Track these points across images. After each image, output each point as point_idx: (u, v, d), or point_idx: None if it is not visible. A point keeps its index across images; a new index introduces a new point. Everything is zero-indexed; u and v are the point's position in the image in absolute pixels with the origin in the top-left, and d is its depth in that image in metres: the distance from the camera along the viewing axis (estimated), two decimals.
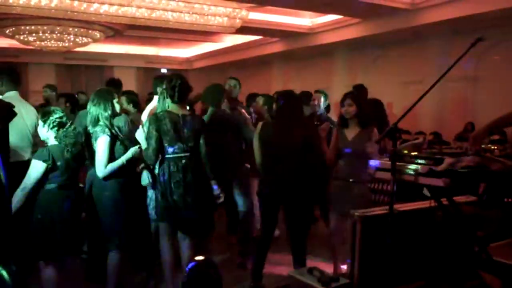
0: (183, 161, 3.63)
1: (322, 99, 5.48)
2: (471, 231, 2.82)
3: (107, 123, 3.57)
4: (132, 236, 3.74)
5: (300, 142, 3.94)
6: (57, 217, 3.33)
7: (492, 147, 2.58)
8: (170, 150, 3.63)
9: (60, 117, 3.42)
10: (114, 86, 5.07)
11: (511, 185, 2.31)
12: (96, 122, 3.59)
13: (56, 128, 3.39)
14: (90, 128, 3.63)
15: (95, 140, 3.56)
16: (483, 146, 2.58)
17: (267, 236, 4.15)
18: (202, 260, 2.88)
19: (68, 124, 3.46)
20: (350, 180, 3.93)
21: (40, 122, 3.44)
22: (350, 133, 4.04)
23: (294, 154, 3.95)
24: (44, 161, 3.29)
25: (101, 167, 3.51)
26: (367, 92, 5.50)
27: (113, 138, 3.59)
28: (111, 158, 3.56)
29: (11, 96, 4.36)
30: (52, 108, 3.56)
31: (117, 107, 3.74)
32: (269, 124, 4.20)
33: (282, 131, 3.96)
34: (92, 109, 3.61)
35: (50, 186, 3.36)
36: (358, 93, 4.60)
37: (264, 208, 4.17)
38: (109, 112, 3.60)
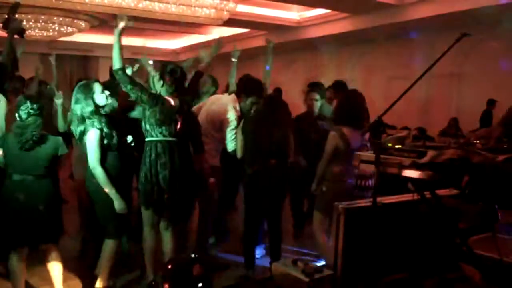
0: (171, 145, 3.65)
1: (317, 97, 4.91)
2: (453, 224, 2.85)
3: (93, 117, 3.51)
4: (128, 223, 3.75)
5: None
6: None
7: (475, 141, 2.59)
8: (158, 131, 3.64)
9: (22, 109, 3.38)
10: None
11: (492, 178, 2.33)
12: (82, 120, 3.54)
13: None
14: (77, 126, 3.56)
15: (85, 135, 3.50)
16: (466, 140, 2.60)
17: (256, 225, 4.25)
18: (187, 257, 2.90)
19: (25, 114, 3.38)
20: (344, 179, 3.96)
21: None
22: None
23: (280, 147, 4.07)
24: None
25: (94, 162, 3.46)
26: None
27: (102, 131, 3.52)
28: (102, 151, 3.50)
29: None
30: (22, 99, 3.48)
31: (103, 98, 3.66)
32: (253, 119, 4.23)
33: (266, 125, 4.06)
34: (75, 108, 3.57)
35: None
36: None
37: (252, 199, 4.20)
38: (91, 107, 3.54)
